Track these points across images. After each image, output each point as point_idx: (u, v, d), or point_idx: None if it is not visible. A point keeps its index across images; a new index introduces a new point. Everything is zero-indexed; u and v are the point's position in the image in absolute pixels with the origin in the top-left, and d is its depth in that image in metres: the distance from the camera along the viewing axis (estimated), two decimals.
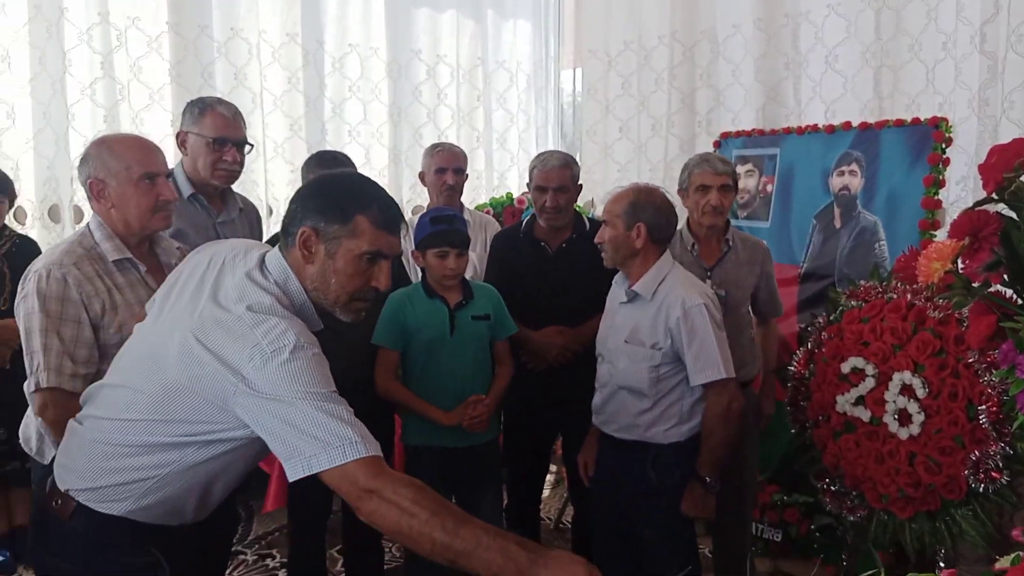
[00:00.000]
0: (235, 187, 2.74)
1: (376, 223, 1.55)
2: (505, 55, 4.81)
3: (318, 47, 4.12)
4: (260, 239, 2.84)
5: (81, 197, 3.37)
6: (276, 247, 1.62)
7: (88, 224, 2.02)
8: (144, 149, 2.02)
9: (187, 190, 2.58)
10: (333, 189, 1.59)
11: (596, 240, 2.40)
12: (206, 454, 1.53)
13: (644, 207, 2.34)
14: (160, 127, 3.64)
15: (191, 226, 2.53)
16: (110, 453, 1.55)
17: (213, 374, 1.43)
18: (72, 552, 1.58)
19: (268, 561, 3.39)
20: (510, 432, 2.93)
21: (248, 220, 2.76)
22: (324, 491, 2.79)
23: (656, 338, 2.29)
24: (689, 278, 2.40)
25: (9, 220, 3.21)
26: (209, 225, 2.58)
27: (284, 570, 3.22)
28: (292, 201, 1.60)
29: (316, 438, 1.38)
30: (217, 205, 2.63)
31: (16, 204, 3.39)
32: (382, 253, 1.57)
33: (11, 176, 3.19)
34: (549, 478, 4.03)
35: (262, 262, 1.58)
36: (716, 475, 2.32)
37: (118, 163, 1.96)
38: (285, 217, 1.61)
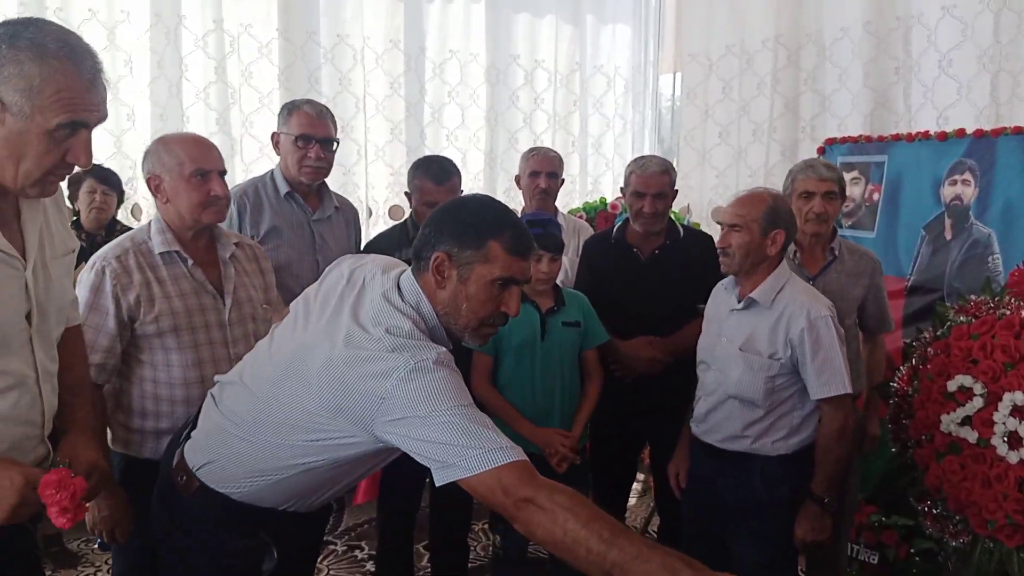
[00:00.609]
0: (336, 188, 2.83)
1: (509, 249, 1.56)
2: (603, 60, 4.80)
3: (420, 53, 4.21)
4: (356, 238, 2.91)
5: None
6: (409, 269, 1.64)
7: (151, 219, 2.10)
8: (198, 146, 2.07)
9: (283, 188, 2.68)
10: (467, 214, 1.59)
11: (720, 245, 2.28)
12: (336, 458, 1.56)
13: (783, 213, 2.26)
14: (268, 130, 3.78)
15: (286, 223, 2.63)
16: (240, 449, 1.61)
17: (356, 397, 1.45)
18: (189, 527, 1.66)
19: (357, 552, 3.48)
20: (598, 440, 2.91)
21: (344, 218, 2.83)
22: (414, 486, 2.88)
23: (775, 348, 2.20)
24: (808, 288, 2.32)
25: (127, 217, 3.41)
26: (304, 223, 2.67)
27: (372, 562, 3.29)
28: (426, 225, 1.61)
29: (464, 446, 1.38)
30: (313, 203, 2.71)
31: (133, 201, 3.60)
32: (514, 279, 1.58)
33: (130, 175, 3.40)
34: (636, 487, 4.00)
35: (398, 283, 1.61)
36: (833, 494, 2.23)
37: (172, 160, 2.02)
38: (418, 241, 1.62)
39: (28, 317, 1.41)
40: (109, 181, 3.30)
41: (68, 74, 1.29)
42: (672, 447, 2.56)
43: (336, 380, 1.47)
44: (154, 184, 2.05)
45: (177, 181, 2.02)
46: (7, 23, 1.29)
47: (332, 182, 2.96)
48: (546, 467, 2.54)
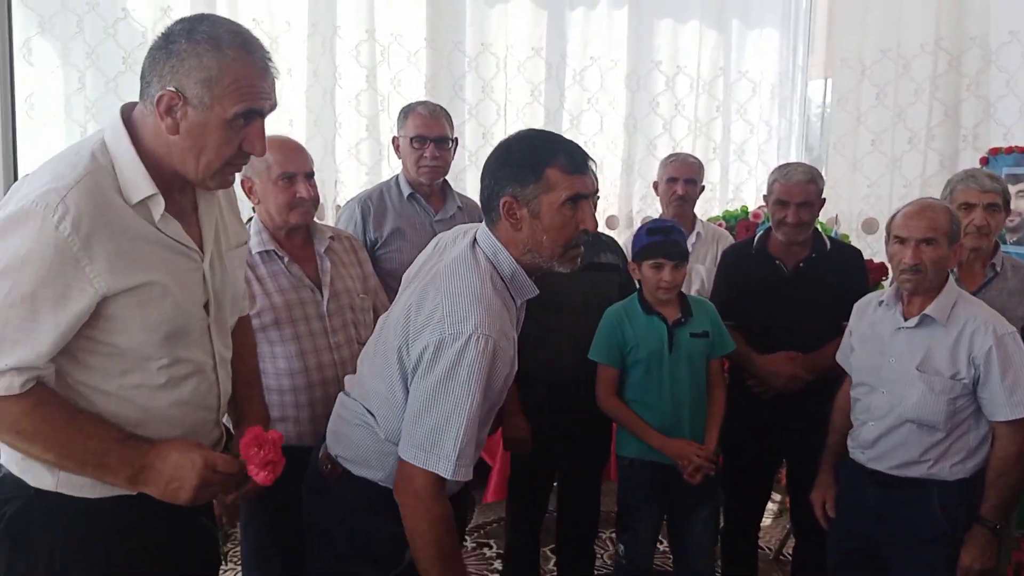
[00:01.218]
0: (473, 193, 2.89)
1: (566, 169, 1.61)
2: (748, 65, 4.68)
3: (561, 60, 4.24)
4: None
5: (344, 196, 3.71)
6: (482, 225, 1.70)
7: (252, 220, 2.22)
8: (284, 150, 2.15)
9: (406, 191, 2.76)
10: (517, 154, 1.65)
11: (911, 261, 2.09)
12: None
13: (959, 224, 2.15)
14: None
15: (408, 225, 2.70)
16: (363, 435, 1.72)
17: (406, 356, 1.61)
18: (334, 514, 1.76)
19: (485, 550, 3.54)
20: (731, 455, 2.84)
21: (469, 218, 2.88)
22: (543, 489, 2.90)
23: (956, 368, 2.07)
24: (982, 303, 2.19)
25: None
26: (426, 223, 2.73)
27: (500, 560, 3.33)
28: (483, 179, 1.68)
29: (427, 440, 1.54)
30: (435, 204, 2.77)
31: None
32: (581, 195, 1.62)
33: None
34: (772, 507, 3.86)
35: (474, 241, 1.68)
36: (1003, 520, 2.09)
37: (261, 163, 2.10)
38: (481, 196, 1.69)
39: (206, 307, 1.49)
40: None
41: (243, 63, 1.34)
42: (812, 468, 2.46)
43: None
44: (247, 186, 2.17)
45: (266, 184, 2.14)
46: (182, 20, 1.37)
47: (469, 186, 3.02)
48: (673, 478, 2.50)
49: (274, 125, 3.82)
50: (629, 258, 2.68)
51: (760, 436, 2.78)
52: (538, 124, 4.22)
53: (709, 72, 4.57)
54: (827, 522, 2.38)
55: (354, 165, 3.89)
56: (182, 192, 1.46)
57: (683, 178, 3.28)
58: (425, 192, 2.74)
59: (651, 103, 4.47)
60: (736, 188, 4.74)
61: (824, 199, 2.82)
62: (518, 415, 2.72)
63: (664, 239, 2.51)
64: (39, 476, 1.39)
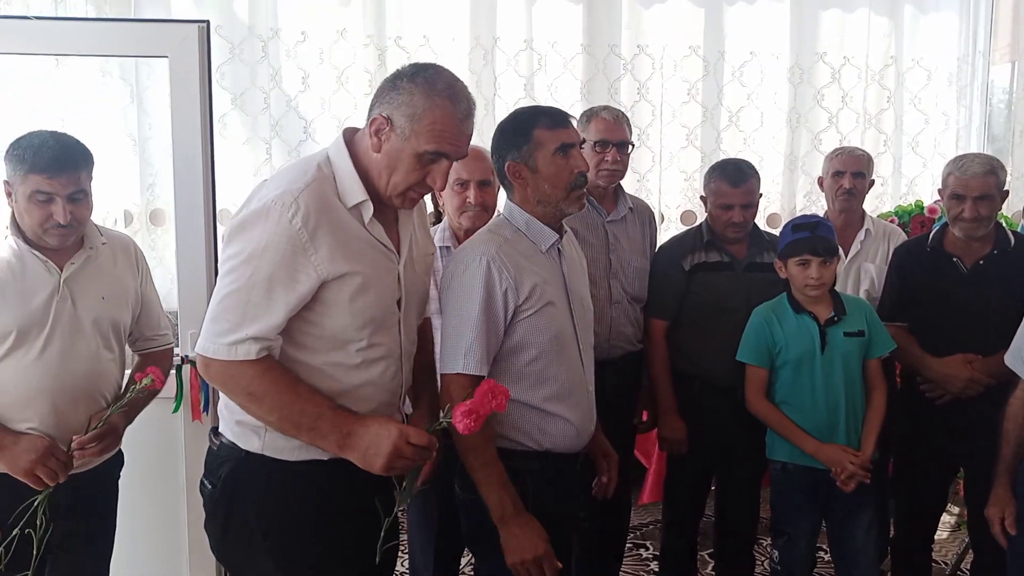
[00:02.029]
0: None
1: (549, 126, 1.92)
2: (922, 52, 4.40)
3: (719, 57, 4.18)
4: (652, 239, 2.95)
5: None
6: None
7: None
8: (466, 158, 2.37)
9: None
10: (507, 127, 1.98)
11: None
12: None
13: None
14: None
15: (581, 225, 2.75)
16: None
17: None
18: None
19: (641, 551, 3.55)
20: (902, 462, 2.71)
21: (640, 219, 2.89)
22: (700, 492, 2.89)
23: None
24: None
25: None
26: (599, 224, 2.78)
27: (656, 562, 3.34)
28: (493, 161, 2.03)
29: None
30: (608, 205, 2.82)
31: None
32: (566, 143, 1.92)
33: None
34: (948, 519, 3.64)
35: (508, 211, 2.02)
36: None
37: None
38: (497, 174, 2.04)
39: (398, 303, 1.71)
40: None
41: (445, 110, 1.58)
42: (991, 479, 2.30)
43: None
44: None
45: (447, 189, 2.35)
46: (414, 65, 1.63)
47: (627, 189, 3.05)
48: (829, 484, 2.42)
49: None
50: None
51: (934, 443, 2.63)
52: (695, 122, 4.19)
53: (879, 61, 4.35)
54: (1007, 540, 2.22)
55: None
56: (387, 204, 1.68)
57: (850, 171, 3.15)
58: (599, 194, 2.80)
59: (816, 96, 4.31)
60: (910, 182, 4.47)
61: (1007, 192, 2.64)
62: (675, 415, 2.73)
63: (810, 235, 2.44)
64: (249, 439, 1.63)
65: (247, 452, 1.64)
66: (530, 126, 1.93)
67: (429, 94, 1.56)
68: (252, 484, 1.64)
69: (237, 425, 1.65)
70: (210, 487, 1.68)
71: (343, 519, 1.66)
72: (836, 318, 2.46)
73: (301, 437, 1.59)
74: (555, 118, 1.95)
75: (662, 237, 3.70)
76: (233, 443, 1.65)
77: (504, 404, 1.51)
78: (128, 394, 2.10)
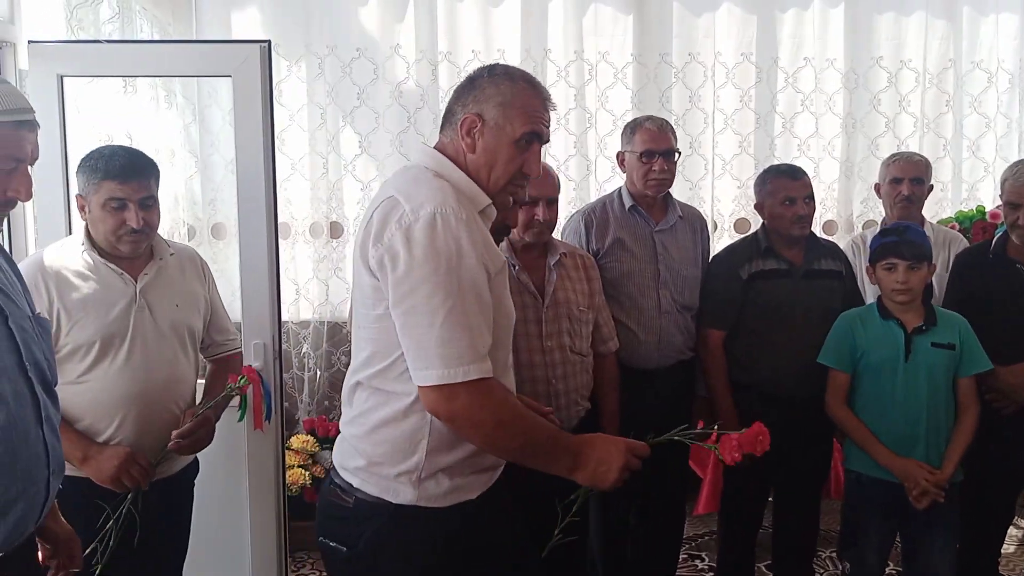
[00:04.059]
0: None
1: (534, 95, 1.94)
2: (983, 54, 4.30)
3: (772, 64, 4.14)
4: (704, 247, 2.95)
5: None
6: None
7: None
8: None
9: (628, 203, 2.82)
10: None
11: None
12: None
13: None
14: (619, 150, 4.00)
15: (629, 235, 2.77)
16: None
17: None
18: None
19: (697, 563, 3.52)
20: (968, 473, 2.65)
21: (691, 227, 2.89)
22: (757, 503, 2.87)
23: None
24: None
25: None
26: (647, 234, 2.78)
27: (711, 574, 3.31)
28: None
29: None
30: (656, 215, 2.82)
31: None
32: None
33: None
34: (1016, 532, 3.54)
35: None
36: None
37: None
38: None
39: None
40: None
41: (529, 94, 1.61)
42: None
43: None
44: None
45: None
46: (482, 67, 1.68)
47: (678, 197, 3.05)
48: (907, 499, 2.38)
49: None
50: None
51: (1000, 454, 2.58)
52: (748, 129, 4.16)
53: (937, 64, 4.26)
54: None
55: (562, 181, 4.02)
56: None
57: (908, 178, 3.11)
58: (647, 203, 2.81)
59: (872, 101, 4.24)
60: (971, 187, 4.37)
61: None
62: (734, 426, 2.70)
63: (898, 239, 2.41)
64: (401, 492, 1.55)
65: (397, 506, 1.55)
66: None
67: (513, 81, 1.60)
68: (404, 539, 1.56)
69: (387, 481, 1.55)
70: (346, 549, 1.58)
71: (497, 553, 1.65)
72: (925, 327, 2.41)
73: (536, 463, 1.56)
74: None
75: (716, 246, 3.69)
76: (379, 498, 1.56)
77: (765, 447, 1.58)
78: (228, 394, 2.22)
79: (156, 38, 3.42)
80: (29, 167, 1.46)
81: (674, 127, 2.89)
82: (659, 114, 3.79)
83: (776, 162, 3.94)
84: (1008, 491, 2.72)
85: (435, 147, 1.68)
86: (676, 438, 1.66)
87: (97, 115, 3.09)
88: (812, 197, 2.78)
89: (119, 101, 3.23)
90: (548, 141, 1.68)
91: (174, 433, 2.13)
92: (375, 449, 1.56)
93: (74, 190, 2.16)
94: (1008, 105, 4.35)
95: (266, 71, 2.61)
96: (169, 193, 3.70)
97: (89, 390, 2.05)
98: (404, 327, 1.47)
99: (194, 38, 3.73)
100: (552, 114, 4.05)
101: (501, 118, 1.58)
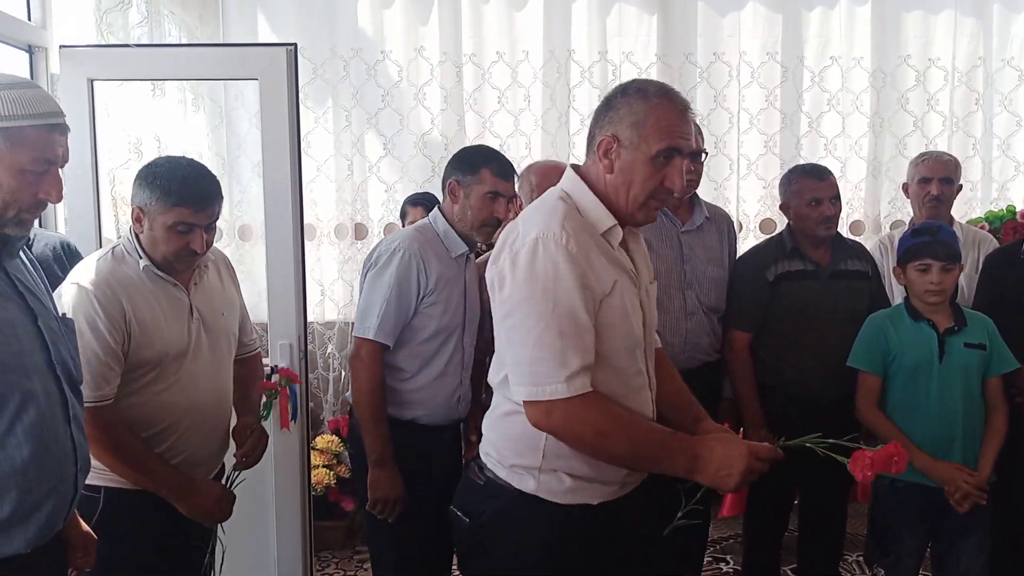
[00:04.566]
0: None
1: (495, 173, 2.36)
2: (1013, 52, 4.24)
3: (798, 63, 4.11)
4: (731, 248, 2.93)
5: None
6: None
7: None
8: (545, 175, 2.49)
9: None
10: (464, 154, 2.45)
11: None
12: None
13: None
14: None
15: (655, 236, 2.75)
16: None
17: None
18: None
19: (722, 565, 3.50)
20: (1002, 476, 2.61)
21: (717, 228, 2.87)
22: (783, 506, 2.84)
23: None
24: None
25: None
26: (673, 235, 2.76)
27: None
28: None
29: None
30: (683, 215, 2.80)
31: None
32: (497, 192, 2.36)
33: None
34: None
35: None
36: None
37: (526, 184, 2.61)
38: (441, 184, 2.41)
39: (643, 327, 1.72)
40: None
41: (664, 108, 1.60)
42: None
43: None
44: (518, 204, 2.54)
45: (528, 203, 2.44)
46: (620, 85, 1.67)
47: (704, 197, 3.03)
48: (942, 503, 2.35)
49: (513, 148, 4.08)
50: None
51: None
52: (774, 129, 4.14)
53: (966, 63, 4.21)
54: None
55: None
56: (630, 223, 1.71)
57: (937, 177, 3.07)
58: (674, 204, 2.79)
59: (900, 100, 4.20)
60: (1001, 187, 4.31)
61: None
62: (761, 428, 2.69)
63: (931, 239, 2.38)
64: (523, 481, 1.63)
65: (520, 492, 1.64)
66: (480, 164, 2.36)
67: (646, 98, 1.60)
68: (521, 524, 1.65)
69: (511, 468, 1.65)
70: (468, 520, 1.70)
71: (605, 559, 1.68)
72: (956, 328, 2.39)
73: (649, 466, 1.64)
74: (501, 168, 2.38)
75: (742, 247, 3.66)
76: (506, 482, 1.66)
77: (899, 468, 1.58)
78: (269, 399, 2.26)
79: (184, 42, 3.47)
80: (60, 170, 1.48)
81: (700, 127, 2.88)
82: None
83: (802, 162, 3.92)
84: None
85: (579, 169, 1.70)
86: (808, 445, 1.65)
87: (127, 118, 3.13)
88: (838, 197, 2.75)
89: (148, 104, 3.27)
90: (694, 152, 1.66)
91: (237, 453, 2.14)
92: (501, 440, 1.68)
93: (105, 193, 2.17)
94: None
95: (292, 74, 2.63)
96: None
97: (152, 404, 1.97)
98: (506, 343, 1.60)
99: (221, 41, 3.77)
100: (576, 115, 4.08)
101: (635, 137, 1.59)
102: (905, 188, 3.27)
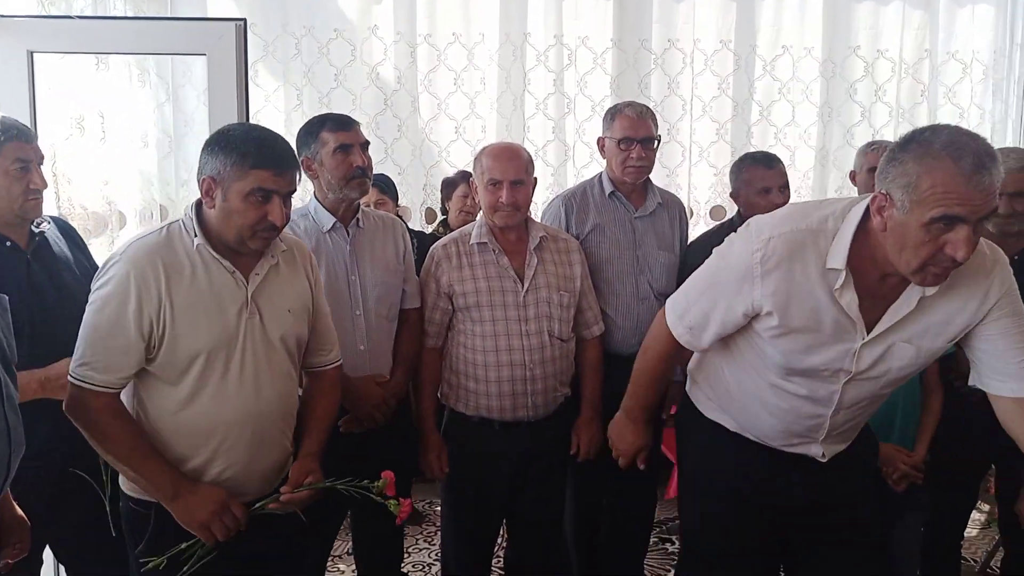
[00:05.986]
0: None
1: (333, 128, 2.35)
2: (958, 45, 4.35)
3: (750, 51, 4.17)
4: (683, 234, 2.96)
5: None
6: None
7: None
8: (500, 158, 2.42)
9: (608, 188, 2.82)
10: (301, 129, 2.40)
11: None
12: None
13: None
14: (598, 135, 4.00)
15: (608, 221, 2.77)
16: None
17: None
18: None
19: (668, 546, 3.56)
20: (933, 458, 2.69)
21: (669, 213, 2.90)
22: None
23: None
24: None
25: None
26: (626, 220, 2.78)
27: None
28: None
29: None
30: (636, 201, 2.82)
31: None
32: (346, 144, 2.33)
33: None
34: (978, 516, 3.61)
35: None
36: None
37: (479, 167, 2.45)
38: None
39: (839, 373, 1.78)
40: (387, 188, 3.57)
41: (945, 171, 1.43)
42: (1019, 476, 2.29)
43: None
44: (474, 186, 2.56)
45: (480, 186, 2.45)
46: (911, 132, 1.52)
47: (656, 183, 3.06)
48: (882, 484, 2.41)
49: (468, 131, 4.04)
50: None
51: (965, 439, 2.61)
52: (725, 117, 4.19)
53: (913, 55, 4.31)
54: None
55: (540, 167, 4.02)
56: (884, 280, 1.66)
57: None
58: (627, 189, 2.81)
59: (848, 90, 4.28)
60: None
61: None
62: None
63: None
64: (706, 407, 2.03)
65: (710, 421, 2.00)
66: (317, 129, 2.34)
67: (922, 158, 1.45)
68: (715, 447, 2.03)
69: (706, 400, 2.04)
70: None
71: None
72: None
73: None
74: (337, 122, 2.34)
75: (692, 233, 3.70)
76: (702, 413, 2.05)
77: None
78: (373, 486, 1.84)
79: (130, 15, 3.37)
80: None
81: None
82: (638, 100, 3.81)
83: (753, 150, 3.97)
84: (973, 474, 2.76)
85: (871, 205, 1.59)
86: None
87: (69, 92, 3.04)
88: (787, 186, 2.80)
89: (91, 78, 3.18)
90: (980, 216, 1.45)
91: (283, 489, 1.82)
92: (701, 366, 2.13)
93: (45, 170, 2.04)
94: (982, 96, 4.41)
95: (241, 50, 2.59)
96: (142, 173, 3.66)
97: (189, 409, 1.76)
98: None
99: (169, 15, 3.68)
100: (532, 98, 4.04)
101: (907, 201, 1.48)
102: (852, 176, 3.33)
